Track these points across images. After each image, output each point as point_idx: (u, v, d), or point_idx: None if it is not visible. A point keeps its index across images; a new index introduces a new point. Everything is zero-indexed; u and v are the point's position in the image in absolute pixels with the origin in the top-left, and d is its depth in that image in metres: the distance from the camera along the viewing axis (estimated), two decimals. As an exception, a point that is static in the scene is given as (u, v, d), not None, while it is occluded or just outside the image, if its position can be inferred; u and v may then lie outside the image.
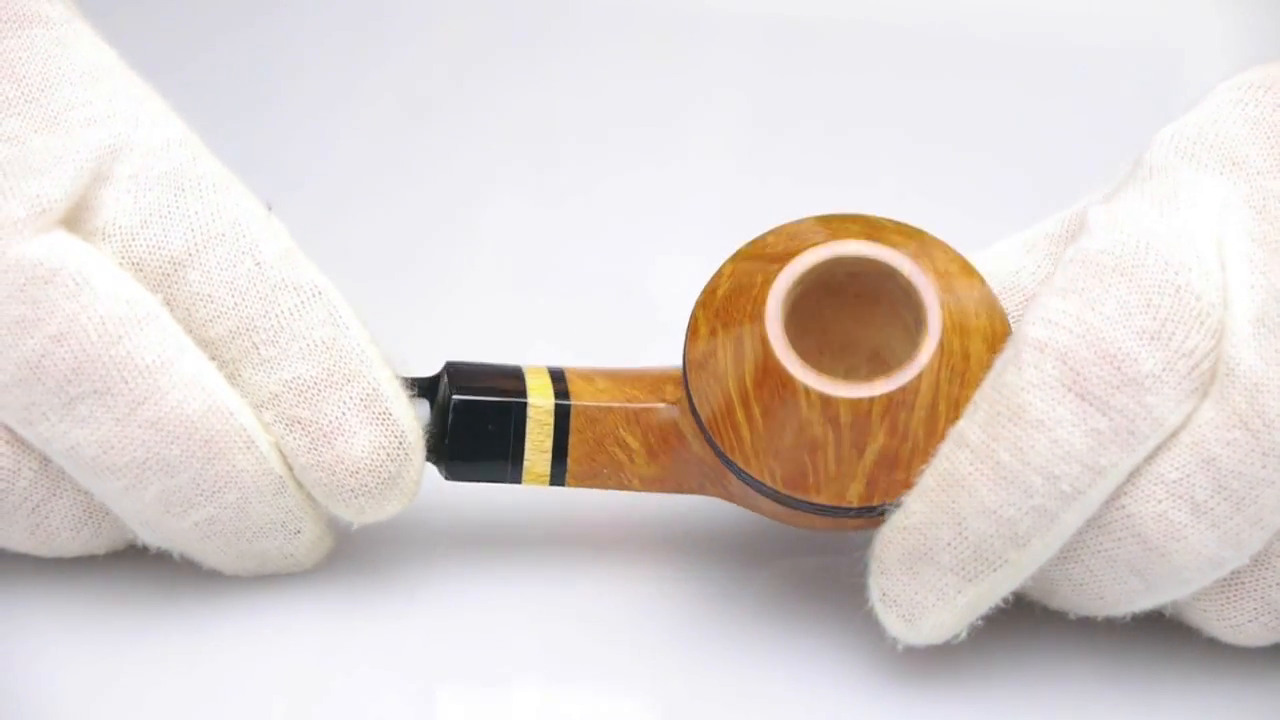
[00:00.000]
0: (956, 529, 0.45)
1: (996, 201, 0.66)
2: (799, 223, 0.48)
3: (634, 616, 0.50)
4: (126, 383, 0.46)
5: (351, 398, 0.47)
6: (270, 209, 0.48)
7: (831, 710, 0.47)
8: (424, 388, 0.49)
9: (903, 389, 0.45)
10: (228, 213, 0.47)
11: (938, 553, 0.45)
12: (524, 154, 0.69)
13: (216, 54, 0.73)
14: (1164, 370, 0.44)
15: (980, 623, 0.46)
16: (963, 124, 0.70)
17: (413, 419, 0.48)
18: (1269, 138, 0.46)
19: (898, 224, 0.48)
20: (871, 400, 0.45)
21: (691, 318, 0.47)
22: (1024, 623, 0.48)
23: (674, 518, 0.52)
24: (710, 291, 0.47)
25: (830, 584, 0.50)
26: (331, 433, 0.47)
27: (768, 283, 0.47)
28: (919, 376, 0.45)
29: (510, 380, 0.49)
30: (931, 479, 0.45)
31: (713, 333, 0.47)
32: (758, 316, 0.46)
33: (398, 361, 0.49)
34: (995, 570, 0.45)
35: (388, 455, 0.47)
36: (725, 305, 0.47)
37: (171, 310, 0.47)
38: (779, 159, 0.69)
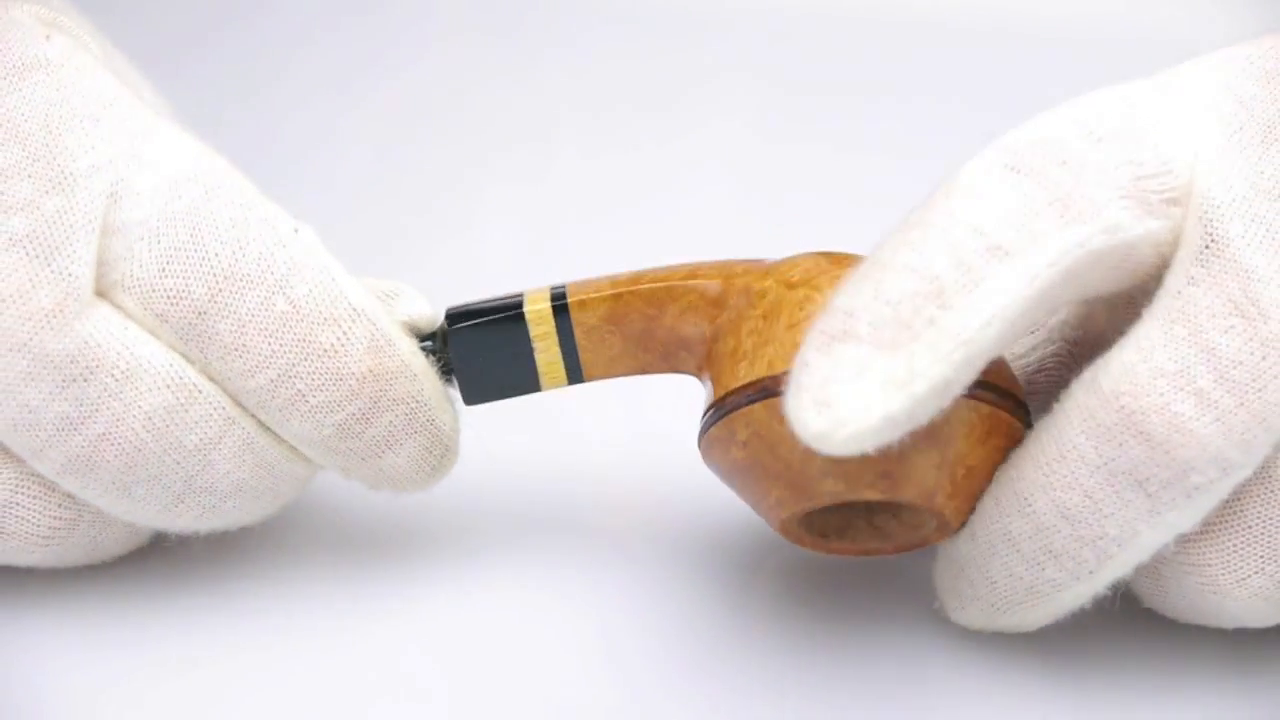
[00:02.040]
0: (875, 292, 0.41)
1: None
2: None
3: (636, 609, 0.50)
4: (179, 464, 0.46)
5: (397, 418, 0.47)
6: (297, 231, 0.47)
7: (835, 697, 0.48)
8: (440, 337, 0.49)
9: (911, 548, 0.47)
10: (251, 248, 0.46)
11: (856, 323, 0.41)
12: (527, 137, 0.70)
13: (216, 28, 0.73)
14: (1106, 164, 0.43)
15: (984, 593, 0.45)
16: (971, 117, 0.70)
17: (452, 415, 0.48)
18: (1246, 60, 0.46)
19: None
20: (882, 554, 0.47)
21: (706, 438, 0.47)
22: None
23: (673, 509, 0.53)
24: (728, 431, 0.46)
25: (836, 574, 0.50)
26: (380, 451, 0.48)
27: (782, 506, 0.46)
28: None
29: (521, 366, 0.48)
30: (864, 263, 0.43)
31: (731, 474, 0.47)
32: (773, 524, 0.47)
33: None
34: (917, 337, 0.41)
35: (430, 455, 0.48)
36: (742, 469, 0.46)
37: (206, 361, 0.46)
38: (787, 145, 0.69)
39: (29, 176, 0.45)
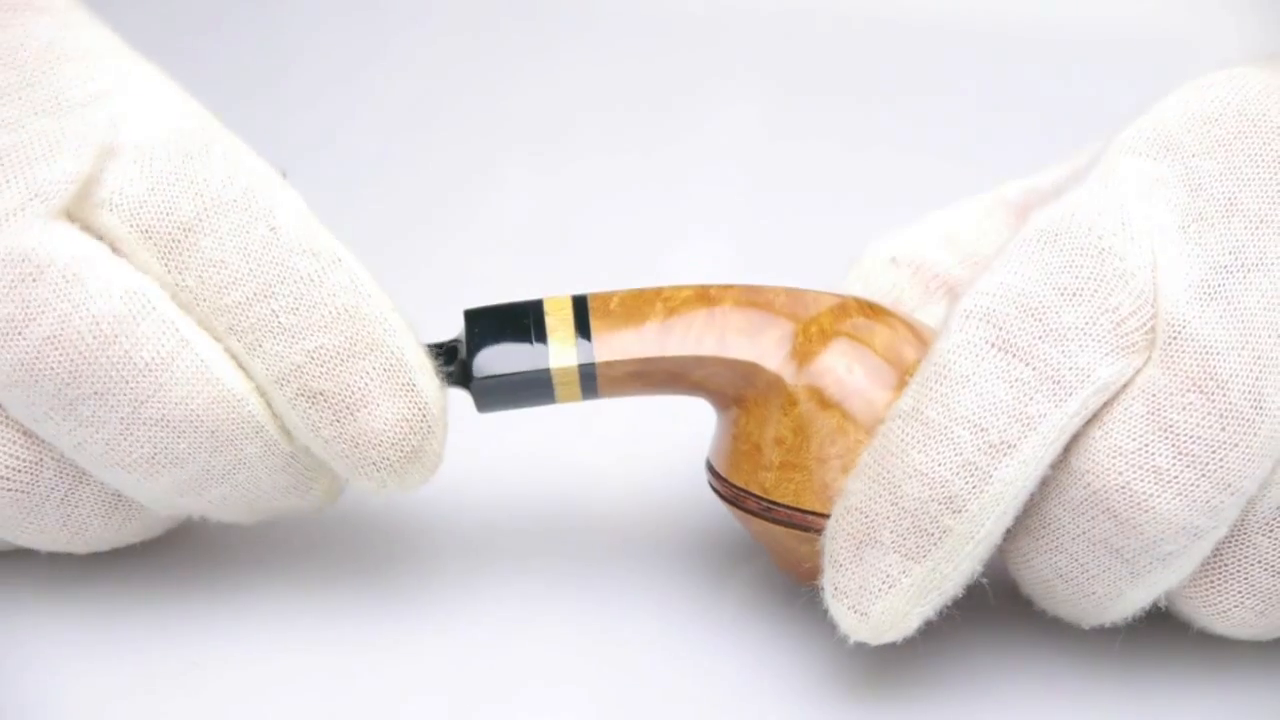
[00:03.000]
0: (892, 499, 0.44)
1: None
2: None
3: (638, 618, 0.50)
4: (127, 383, 0.45)
5: (374, 368, 0.46)
6: (285, 175, 0.47)
7: (812, 707, 0.47)
8: (446, 352, 0.48)
9: None
10: (239, 179, 0.46)
11: (879, 530, 0.44)
12: (537, 133, 0.69)
13: (229, 24, 0.73)
14: (1086, 324, 0.44)
15: (954, 610, 0.46)
16: (975, 116, 0.70)
17: (436, 389, 0.47)
18: (1202, 124, 0.46)
19: None
20: None
21: (719, 498, 0.48)
22: (1011, 627, 0.49)
23: (656, 516, 0.53)
24: (744, 517, 0.47)
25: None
26: (355, 404, 0.46)
27: (783, 572, 0.48)
28: None
29: (541, 397, 0.48)
30: (868, 454, 0.45)
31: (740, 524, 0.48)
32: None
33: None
34: (937, 545, 0.44)
35: (411, 428, 0.47)
36: (752, 536, 0.48)
37: (184, 278, 0.46)
38: (797, 142, 0.69)
39: (18, 99, 0.46)
